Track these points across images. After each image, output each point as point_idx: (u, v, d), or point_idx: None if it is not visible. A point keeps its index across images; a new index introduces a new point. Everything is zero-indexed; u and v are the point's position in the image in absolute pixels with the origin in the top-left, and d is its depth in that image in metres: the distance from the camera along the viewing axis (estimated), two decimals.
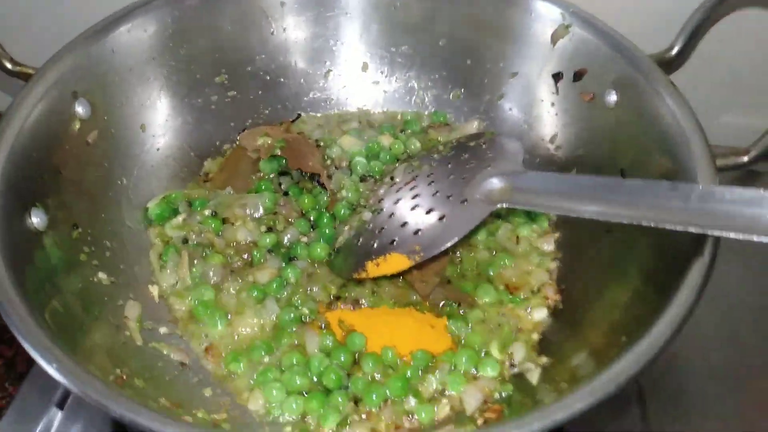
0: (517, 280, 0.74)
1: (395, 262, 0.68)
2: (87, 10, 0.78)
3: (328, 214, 0.79)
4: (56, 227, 0.64)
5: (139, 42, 0.77)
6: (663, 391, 0.74)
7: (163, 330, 0.69)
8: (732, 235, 0.50)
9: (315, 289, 0.73)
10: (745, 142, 0.71)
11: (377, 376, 0.66)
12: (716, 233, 0.52)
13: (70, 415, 0.69)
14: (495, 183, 0.68)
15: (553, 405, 0.47)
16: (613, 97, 0.75)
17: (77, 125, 0.70)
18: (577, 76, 0.79)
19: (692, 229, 0.52)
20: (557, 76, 0.82)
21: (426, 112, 0.92)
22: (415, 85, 0.92)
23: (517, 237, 0.78)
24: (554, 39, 0.80)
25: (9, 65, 0.71)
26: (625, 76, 0.73)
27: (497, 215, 0.80)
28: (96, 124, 0.73)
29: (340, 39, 0.90)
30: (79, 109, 0.70)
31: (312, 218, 0.80)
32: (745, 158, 0.67)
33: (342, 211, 0.80)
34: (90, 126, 0.72)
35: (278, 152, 0.84)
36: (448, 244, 0.66)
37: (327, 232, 0.78)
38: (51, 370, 0.47)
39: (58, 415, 0.69)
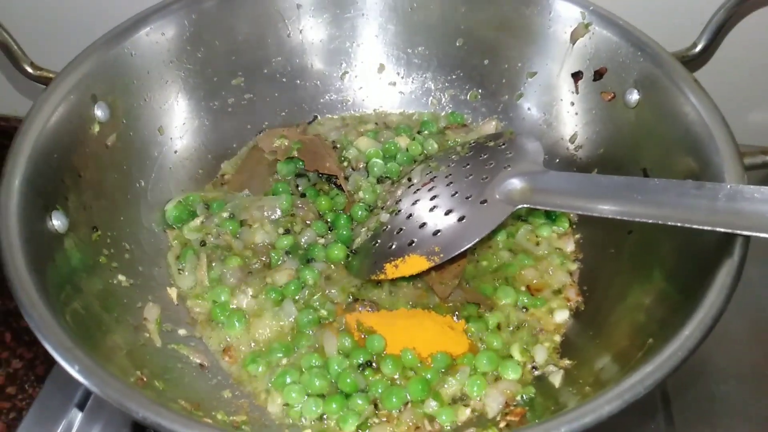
0: (538, 282, 0.74)
1: (414, 264, 0.67)
2: (106, 14, 0.79)
3: (345, 216, 0.79)
4: (76, 229, 0.64)
5: (158, 45, 0.77)
6: (689, 395, 0.72)
7: (182, 332, 0.69)
8: (763, 235, 0.49)
9: (333, 290, 0.72)
10: None
11: (397, 379, 0.65)
12: (745, 233, 0.51)
13: (90, 416, 0.70)
14: (515, 183, 0.67)
15: (579, 408, 0.46)
16: (634, 96, 0.74)
17: (96, 128, 0.70)
18: (598, 75, 0.78)
19: (720, 229, 0.51)
20: (577, 75, 0.81)
21: (443, 113, 0.92)
22: (432, 86, 0.92)
23: (537, 238, 0.77)
24: (574, 38, 0.79)
25: (30, 69, 0.71)
26: (647, 74, 0.72)
27: (517, 216, 0.79)
28: (115, 127, 0.73)
29: (357, 40, 0.90)
30: (99, 113, 0.71)
31: (329, 220, 0.79)
32: None
33: (359, 213, 0.79)
34: (109, 129, 0.72)
35: (295, 154, 0.84)
36: (468, 245, 0.65)
37: (344, 233, 0.77)
38: (73, 372, 0.47)
39: (78, 417, 0.70)
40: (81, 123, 0.69)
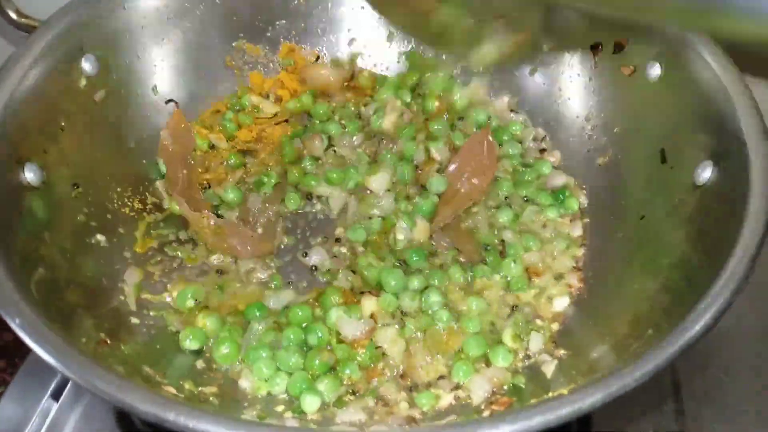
0: (540, 266, 0.69)
1: None
2: None
3: None
4: (53, 185, 0.62)
5: (154, 0, 0.74)
6: (701, 386, 0.67)
7: (162, 298, 0.66)
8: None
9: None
10: None
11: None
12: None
13: (66, 405, 0.65)
14: None
15: (558, 399, 0.41)
16: (656, 71, 0.68)
17: (83, 82, 0.68)
18: (618, 47, 0.72)
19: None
20: (595, 48, 0.75)
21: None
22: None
23: (544, 220, 0.72)
24: None
25: (14, 15, 0.69)
26: (671, 46, 0.66)
27: (523, 196, 0.74)
28: (104, 83, 0.70)
29: (365, 4, 0.85)
30: (86, 66, 0.68)
31: None
32: None
33: None
34: (97, 84, 0.70)
35: None
36: None
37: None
38: (14, 325, 0.45)
39: (54, 407, 0.65)
40: (66, 75, 0.66)
